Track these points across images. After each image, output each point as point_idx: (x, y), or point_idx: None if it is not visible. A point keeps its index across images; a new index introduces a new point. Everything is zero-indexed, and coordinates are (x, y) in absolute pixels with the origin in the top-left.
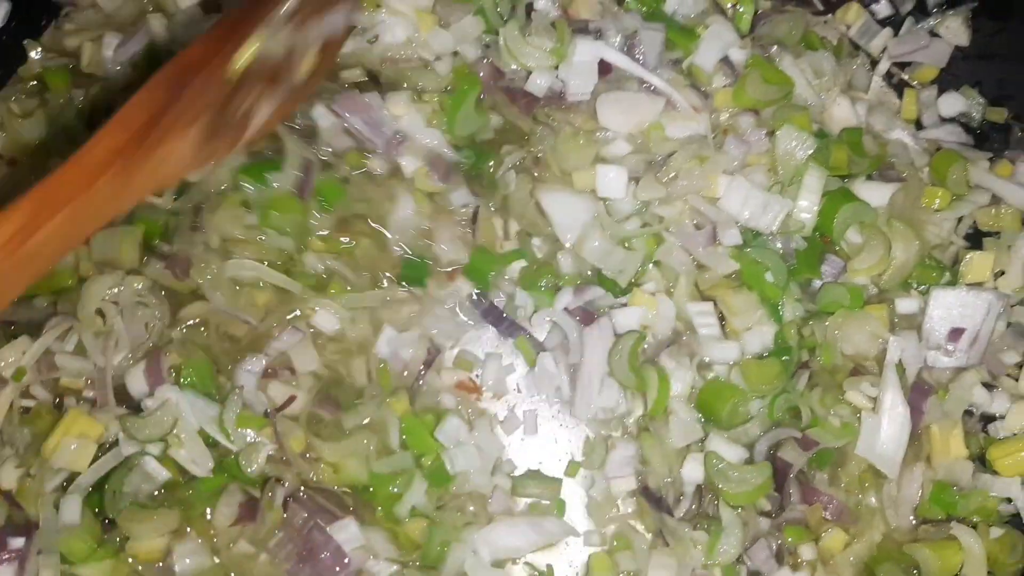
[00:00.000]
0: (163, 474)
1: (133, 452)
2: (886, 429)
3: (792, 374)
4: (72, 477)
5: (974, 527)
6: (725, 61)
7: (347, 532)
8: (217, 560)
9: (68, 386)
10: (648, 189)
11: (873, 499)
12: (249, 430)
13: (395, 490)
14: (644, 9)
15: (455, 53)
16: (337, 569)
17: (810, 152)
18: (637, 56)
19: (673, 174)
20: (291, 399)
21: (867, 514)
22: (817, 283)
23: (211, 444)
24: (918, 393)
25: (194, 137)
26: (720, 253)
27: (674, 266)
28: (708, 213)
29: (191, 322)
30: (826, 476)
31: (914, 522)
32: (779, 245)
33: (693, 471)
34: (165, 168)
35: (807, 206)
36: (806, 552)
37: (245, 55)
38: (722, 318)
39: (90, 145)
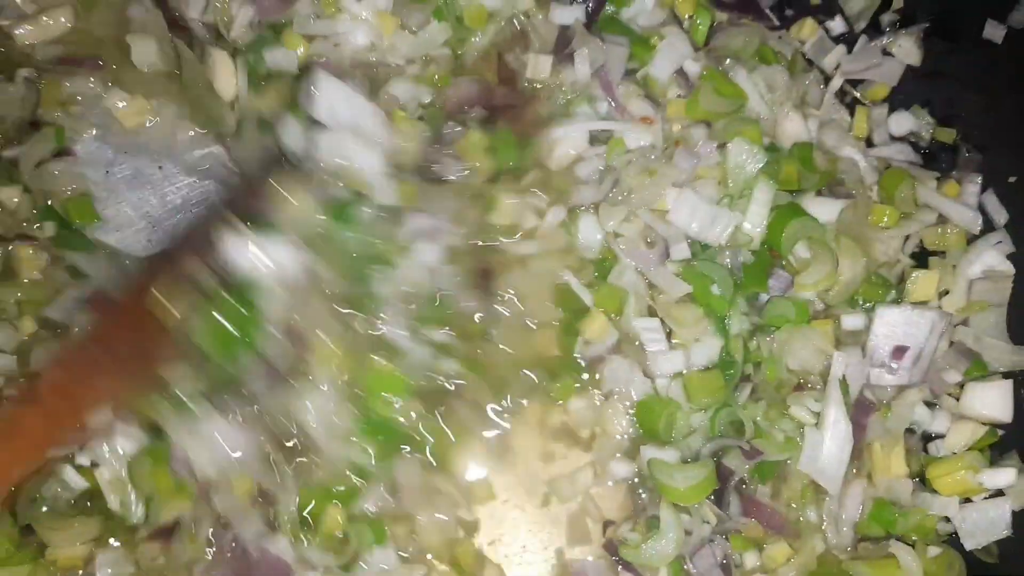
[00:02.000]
0: (80, 483)
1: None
2: (828, 445)
3: (734, 387)
4: None
5: (912, 545)
6: (680, 73)
7: (278, 546)
8: (139, 569)
9: None
10: (609, 215)
11: (813, 515)
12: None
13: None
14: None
15: (427, 59)
16: None
17: (760, 166)
18: (602, 73)
19: (626, 192)
20: None
21: (808, 530)
22: (764, 297)
23: None
24: (860, 409)
25: None
26: (671, 274)
27: (626, 287)
28: (659, 229)
29: None
30: (768, 490)
31: (853, 539)
32: (727, 258)
33: (621, 468)
34: None
35: (756, 220)
36: (750, 560)
37: None
38: (669, 333)
39: None
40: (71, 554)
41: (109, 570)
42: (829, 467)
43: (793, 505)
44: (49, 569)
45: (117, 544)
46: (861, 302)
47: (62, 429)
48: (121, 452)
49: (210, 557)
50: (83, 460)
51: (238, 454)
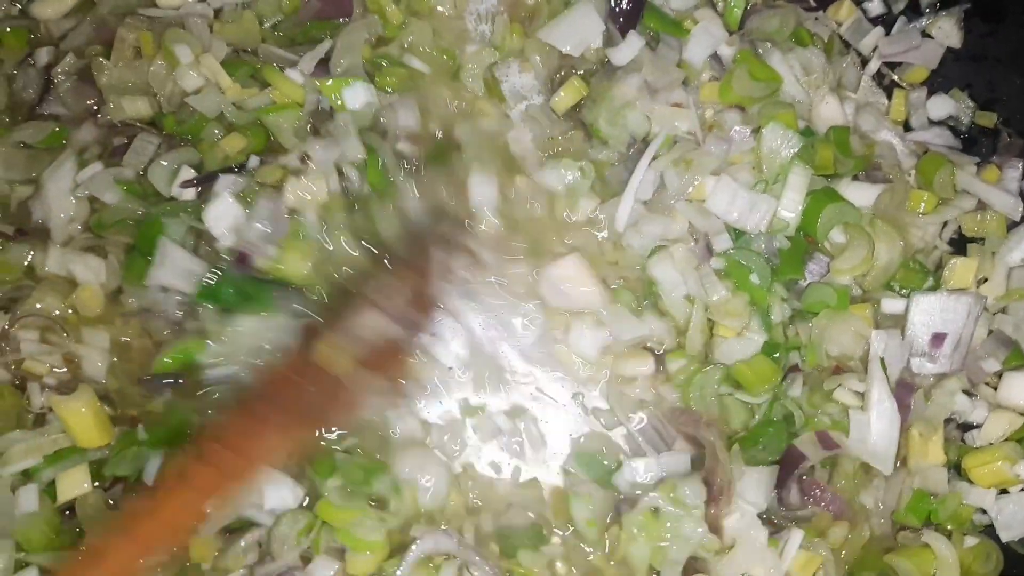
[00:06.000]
0: None
1: None
2: (875, 424)
3: (782, 378)
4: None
5: (948, 535)
6: (713, 57)
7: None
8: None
9: (30, 369)
10: (652, 222)
11: (868, 499)
12: None
13: None
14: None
15: None
16: None
17: (795, 150)
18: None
19: (659, 184)
20: None
21: (862, 514)
22: (802, 283)
23: None
24: (903, 389)
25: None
26: (712, 274)
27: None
28: (698, 224)
29: None
30: (828, 473)
31: (892, 528)
32: (762, 244)
33: None
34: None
35: (791, 205)
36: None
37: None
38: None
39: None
40: None
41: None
42: (879, 447)
43: (846, 489)
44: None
45: None
46: (898, 288)
47: (231, 485)
48: None
49: (244, 570)
50: None
51: None
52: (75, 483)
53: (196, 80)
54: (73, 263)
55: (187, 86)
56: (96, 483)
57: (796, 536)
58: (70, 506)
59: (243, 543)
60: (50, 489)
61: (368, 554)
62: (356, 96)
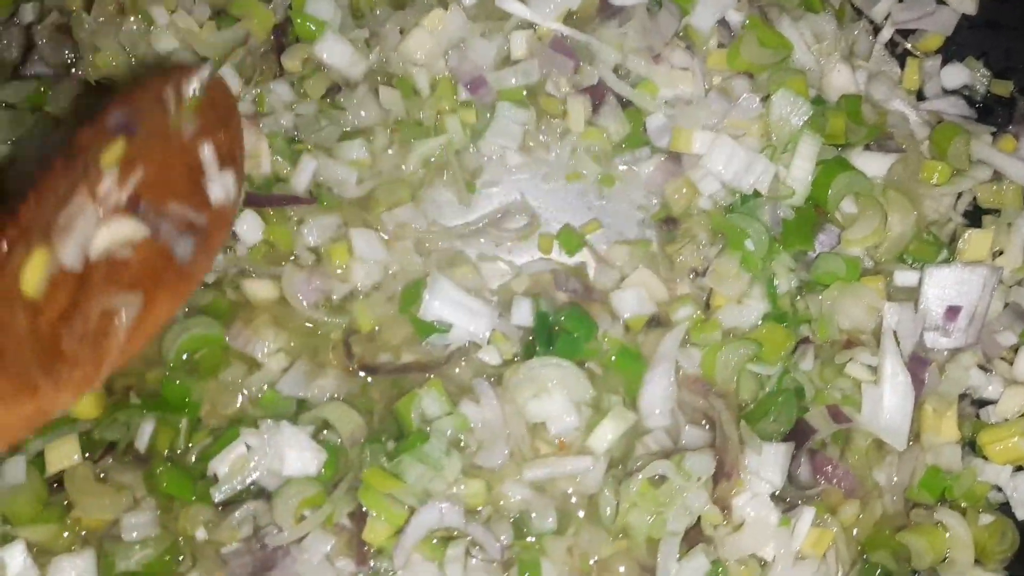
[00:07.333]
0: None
1: None
2: (888, 398)
3: (793, 350)
4: None
5: (963, 512)
6: (722, 22)
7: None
8: (166, 531)
9: None
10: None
11: (882, 476)
12: None
13: None
14: None
15: None
16: None
17: (805, 119)
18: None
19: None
20: None
21: (876, 492)
22: (812, 255)
23: None
24: (916, 364)
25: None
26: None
27: None
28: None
29: None
30: (840, 449)
31: (905, 505)
32: (767, 213)
33: None
34: None
35: (800, 174)
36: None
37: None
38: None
39: None
40: (97, 517)
41: (135, 533)
42: (893, 422)
43: (859, 466)
44: (74, 528)
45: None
46: (911, 262)
47: None
48: None
49: (240, 543)
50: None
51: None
52: (65, 454)
53: (170, 43)
54: None
55: (160, 48)
56: (86, 454)
57: (807, 514)
58: (58, 479)
59: (237, 515)
60: (38, 460)
61: (384, 521)
62: (321, 7)
